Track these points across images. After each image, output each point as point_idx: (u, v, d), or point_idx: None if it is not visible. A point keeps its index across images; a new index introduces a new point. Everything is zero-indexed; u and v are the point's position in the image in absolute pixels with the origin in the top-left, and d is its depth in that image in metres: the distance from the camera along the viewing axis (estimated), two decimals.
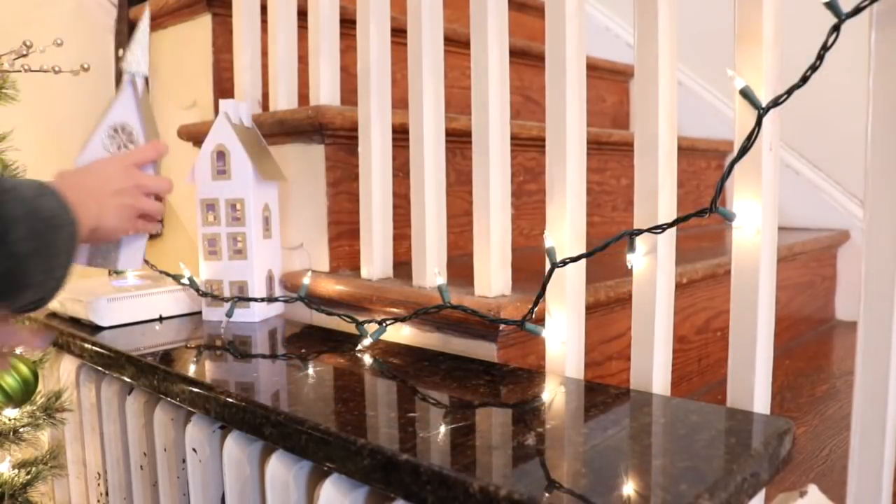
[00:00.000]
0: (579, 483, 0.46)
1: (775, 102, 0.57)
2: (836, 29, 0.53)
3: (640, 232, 0.65)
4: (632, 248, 0.65)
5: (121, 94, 0.87)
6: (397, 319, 0.81)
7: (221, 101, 0.97)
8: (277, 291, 1.03)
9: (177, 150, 1.29)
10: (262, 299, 0.95)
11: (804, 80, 0.56)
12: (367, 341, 0.82)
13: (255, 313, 0.98)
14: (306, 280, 0.92)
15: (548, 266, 0.70)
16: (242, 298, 0.96)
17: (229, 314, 0.95)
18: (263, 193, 0.99)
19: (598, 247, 0.67)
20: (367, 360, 0.78)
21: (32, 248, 0.53)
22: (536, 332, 0.72)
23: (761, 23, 0.58)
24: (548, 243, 0.70)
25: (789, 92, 0.57)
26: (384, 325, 0.82)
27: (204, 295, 0.99)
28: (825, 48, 0.54)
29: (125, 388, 0.88)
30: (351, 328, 0.87)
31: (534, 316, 0.72)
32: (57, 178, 0.71)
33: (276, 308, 1.03)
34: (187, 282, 1.00)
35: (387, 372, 0.74)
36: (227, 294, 0.98)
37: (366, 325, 0.84)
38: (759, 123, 0.57)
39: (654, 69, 0.64)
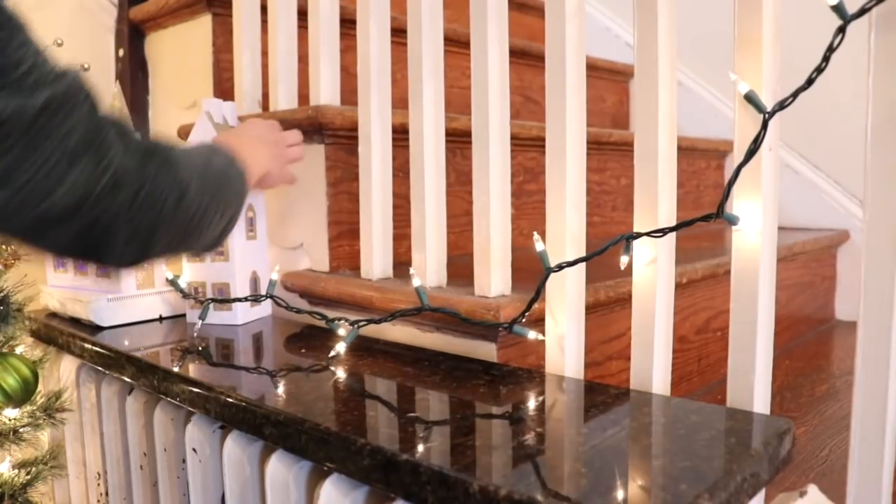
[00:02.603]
0: (579, 483, 0.46)
1: (781, 106, 0.57)
2: (841, 30, 0.53)
3: (638, 235, 0.65)
4: (628, 250, 0.65)
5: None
6: (371, 321, 0.81)
7: (204, 101, 0.96)
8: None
9: None
10: (236, 299, 0.94)
11: (809, 82, 0.55)
12: (340, 345, 0.80)
13: (237, 316, 0.96)
14: (274, 276, 0.92)
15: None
16: (218, 300, 0.95)
17: (202, 317, 0.94)
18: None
19: (595, 251, 0.67)
20: (367, 360, 0.78)
21: (208, 200, 0.64)
22: (523, 335, 0.72)
23: (761, 26, 0.58)
24: (538, 247, 0.70)
25: (795, 95, 0.56)
26: (356, 326, 0.81)
27: (186, 297, 0.98)
28: (831, 49, 0.54)
29: (125, 388, 0.88)
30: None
31: (525, 318, 0.72)
32: (221, 139, 0.85)
33: (265, 309, 1.02)
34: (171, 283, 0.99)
35: (387, 372, 0.74)
36: (210, 296, 0.97)
37: (337, 322, 0.84)
38: (764, 127, 0.57)
39: (654, 69, 0.64)
